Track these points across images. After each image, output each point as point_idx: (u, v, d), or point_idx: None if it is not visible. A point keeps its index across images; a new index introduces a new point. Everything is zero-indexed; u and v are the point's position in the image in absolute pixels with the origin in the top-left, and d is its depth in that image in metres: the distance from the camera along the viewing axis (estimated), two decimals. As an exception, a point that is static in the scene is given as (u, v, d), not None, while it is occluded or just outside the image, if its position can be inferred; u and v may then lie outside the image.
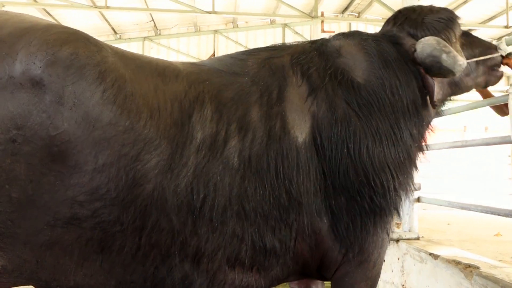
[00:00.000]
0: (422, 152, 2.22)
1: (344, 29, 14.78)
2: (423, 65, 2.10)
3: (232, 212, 1.68)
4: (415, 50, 2.14)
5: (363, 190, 1.86)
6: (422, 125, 2.18)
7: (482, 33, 14.26)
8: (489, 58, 2.42)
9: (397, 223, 4.34)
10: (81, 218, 1.49)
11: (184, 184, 1.60)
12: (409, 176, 2.05)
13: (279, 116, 1.83)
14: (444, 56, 2.03)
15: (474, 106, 3.12)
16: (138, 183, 1.53)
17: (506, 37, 2.68)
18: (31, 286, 1.60)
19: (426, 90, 2.16)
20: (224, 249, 1.69)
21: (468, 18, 13.13)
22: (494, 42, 2.54)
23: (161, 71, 1.75)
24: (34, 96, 1.44)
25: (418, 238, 3.78)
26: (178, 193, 1.59)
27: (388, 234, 2.00)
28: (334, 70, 2.01)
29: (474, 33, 2.50)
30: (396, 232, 3.81)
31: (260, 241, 1.74)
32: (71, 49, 1.52)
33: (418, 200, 3.85)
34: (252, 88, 1.87)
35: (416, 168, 2.13)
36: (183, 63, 1.95)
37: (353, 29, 14.96)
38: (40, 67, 1.45)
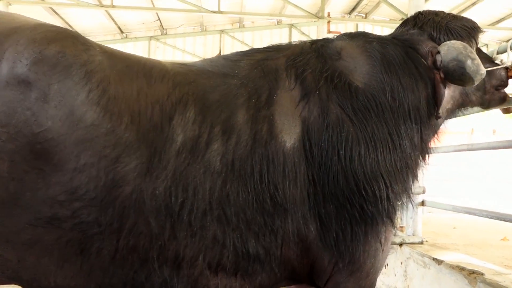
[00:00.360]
0: (425, 160, 2.14)
1: (351, 30, 14.67)
2: (445, 69, 2.03)
3: (213, 217, 1.65)
4: (438, 52, 2.07)
5: (353, 199, 1.80)
6: (427, 132, 2.11)
7: (491, 35, 14.14)
8: (494, 76, 2.37)
9: (401, 227, 4.28)
10: (61, 218, 1.48)
11: (162, 187, 1.58)
12: (406, 185, 1.98)
13: (267, 119, 1.78)
14: (469, 62, 1.98)
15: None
16: (117, 184, 1.52)
17: (502, 44, 2.63)
18: (16, 286, 1.60)
19: (435, 99, 2.09)
20: (205, 254, 1.66)
21: (476, 20, 13.00)
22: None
23: (147, 72, 1.73)
24: (20, 94, 1.43)
25: (422, 243, 3.72)
26: (157, 196, 1.57)
27: (381, 244, 1.93)
28: (331, 73, 1.94)
29: (482, 35, 2.46)
30: (399, 236, 3.75)
31: (242, 247, 1.70)
32: (58, 48, 1.52)
33: (422, 203, 3.79)
34: (240, 90, 1.83)
35: (416, 177, 2.06)
36: (172, 63, 1.92)
37: (360, 30, 14.88)
38: (27, 65, 1.45)
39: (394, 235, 3.94)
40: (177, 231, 1.60)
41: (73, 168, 1.47)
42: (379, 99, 1.93)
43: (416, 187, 3.71)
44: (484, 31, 2.36)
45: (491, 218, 2.84)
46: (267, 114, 1.79)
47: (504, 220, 2.67)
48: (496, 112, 2.89)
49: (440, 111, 2.09)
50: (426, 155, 2.16)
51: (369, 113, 1.89)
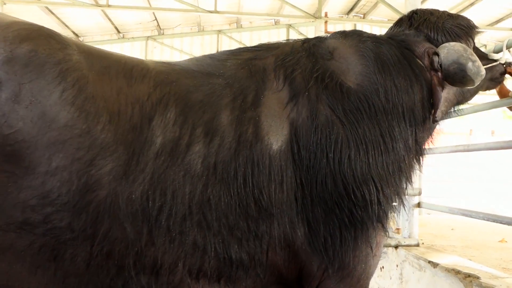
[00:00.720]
0: (419, 163, 2.09)
1: (349, 30, 14.67)
2: (445, 72, 2.00)
3: (193, 222, 1.58)
4: (434, 53, 2.04)
5: (342, 203, 1.75)
6: (422, 135, 2.06)
7: (489, 35, 14.10)
8: (490, 70, 2.37)
9: (397, 229, 4.23)
10: (33, 223, 1.42)
11: (139, 191, 1.52)
12: (398, 189, 1.92)
13: (252, 121, 1.72)
14: (470, 64, 1.95)
15: (480, 108, 2.98)
16: (90, 189, 1.46)
17: (498, 43, 2.60)
18: None
19: (431, 102, 2.06)
20: (185, 260, 1.60)
21: (475, 20, 12.96)
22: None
23: (128, 72, 1.68)
24: None
25: (418, 245, 3.66)
26: (133, 201, 1.51)
27: (372, 249, 1.87)
28: (321, 73, 1.88)
29: (481, 35, 2.44)
30: (395, 238, 3.69)
31: (224, 253, 1.63)
32: (30, 46, 1.46)
33: (419, 205, 3.73)
34: (225, 91, 1.77)
35: (410, 180, 2.01)
36: (156, 62, 1.86)
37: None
38: None
39: (390, 238, 3.89)
40: (155, 236, 1.54)
41: (45, 171, 1.41)
42: (372, 101, 1.87)
43: (412, 188, 3.67)
44: (482, 31, 2.37)
45: (487, 220, 2.78)
46: (253, 115, 1.73)
47: (501, 223, 2.61)
48: (495, 113, 2.85)
49: (437, 114, 2.05)
50: (421, 158, 2.10)
51: (361, 114, 1.83)
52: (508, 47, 2.56)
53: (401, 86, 1.96)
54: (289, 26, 14.83)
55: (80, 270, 1.50)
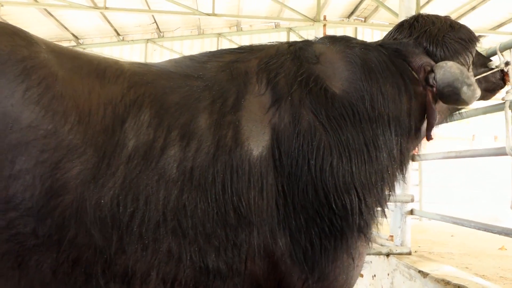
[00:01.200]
0: (403, 173, 2.03)
1: (350, 34, 14.64)
2: (439, 93, 1.97)
3: (167, 229, 1.51)
4: (431, 70, 2.01)
5: (323, 212, 1.68)
6: (407, 146, 2.00)
7: (492, 40, 13.98)
8: (487, 81, 2.35)
9: (390, 236, 4.12)
10: None
11: (109, 196, 1.45)
12: (381, 199, 1.86)
13: (232, 125, 1.66)
14: (465, 88, 1.92)
15: (469, 114, 2.86)
16: (56, 193, 1.40)
17: (491, 48, 2.51)
18: None
19: (426, 118, 2.05)
20: (159, 269, 1.53)
21: (477, 24, 12.88)
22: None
23: (101, 72, 1.61)
24: None
25: (410, 253, 3.54)
26: (102, 206, 1.44)
27: (353, 259, 1.80)
28: (306, 77, 1.82)
29: (483, 39, 2.36)
30: (386, 246, 3.58)
31: (201, 262, 1.56)
32: None
33: (411, 212, 3.61)
34: (204, 93, 1.70)
35: (392, 190, 1.96)
36: (131, 63, 1.80)
37: (359, 34, 14.79)
38: None
39: (381, 246, 3.77)
40: (126, 244, 1.47)
41: (7, 175, 1.35)
42: (357, 108, 1.81)
43: (404, 195, 3.56)
44: (484, 35, 2.32)
45: (479, 229, 2.68)
46: (233, 119, 1.67)
47: (491, 232, 2.50)
48: (498, 118, 2.76)
49: (431, 132, 2.04)
50: (405, 168, 2.05)
51: (344, 121, 1.77)
52: (501, 51, 2.46)
53: (388, 94, 1.91)
54: (290, 29, 14.76)
55: (46, 278, 1.44)
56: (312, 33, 14.05)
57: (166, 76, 1.74)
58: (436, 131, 2.22)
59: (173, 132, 1.57)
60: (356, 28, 14.80)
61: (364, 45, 2.07)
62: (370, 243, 1.89)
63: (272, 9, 13.36)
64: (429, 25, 2.18)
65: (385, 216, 1.95)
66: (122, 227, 1.46)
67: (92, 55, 1.75)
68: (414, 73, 2.05)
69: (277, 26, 14.92)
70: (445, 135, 13.84)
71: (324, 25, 9.90)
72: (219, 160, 1.59)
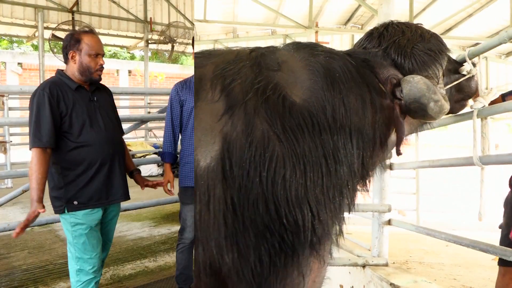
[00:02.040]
0: (365, 188, 1.95)
1: (347, 41, 14.60)
2: (406, 107, 1.95)
3: None
4: (396, 84, 1.96)
5: (273, 227, 1.57)
6: (370, 160, 1.90)
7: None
8: (460, 88, 2.31)
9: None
10: None
11: None
12: (338, 215, 1.75)
13: None
14: (431, 105, 1.90)
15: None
16: None
17: (460, 54, 2.41)
18: None
19: (396, 133, 2.00)
20: None
21: (473, 32, 12.79)
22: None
23: None
24: None
25: (386, 264, 3.40)
26: None
27: (304, 277, 1.69)
28: (264, 84, 1.70)
29: (450, 55, 2.27)
30: (362, 257, 3.45)
31: None
32: None
33: (389, 222, 3.48)
34: None
35: (352, 206, 1.85)
36: None
37: (355, 41, 14.72)
38: None
39: (358, 257, 3.64)
40: None
41: None
42: (317, 118, 1.69)
43: (381, 205, 3.43)
44: (450, 50, 2.21)
45: (454, 242, 2.57)
46: None
47: (460, 244, 2.38)
48: (499, 126, 2.67)
49: (401, 148, 2.00)
50: (367, 183, 1.96)
51: (302, 132, 1.65)
52: (470, 58, 2.35)
53: (351, 105, 1.80)
54: (286, 36, 14.70)
55: None
56: (308, 40, 14.03)
57: None
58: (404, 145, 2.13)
59: None
60: (353, 36, 14.74)
61: (330, 53, 1.95)
62: (323, 261, 1.78)
63: (268, 16, 13.33)
64: (398, 35, 2.10)
65: (342, 233, 1.84)
66: None
67: None
68: (381, 85, 1.96)
69: (273, 32, 14.87)
70: (450, 144, 13.73)
71: (316, 32, 9.82)
72: None
